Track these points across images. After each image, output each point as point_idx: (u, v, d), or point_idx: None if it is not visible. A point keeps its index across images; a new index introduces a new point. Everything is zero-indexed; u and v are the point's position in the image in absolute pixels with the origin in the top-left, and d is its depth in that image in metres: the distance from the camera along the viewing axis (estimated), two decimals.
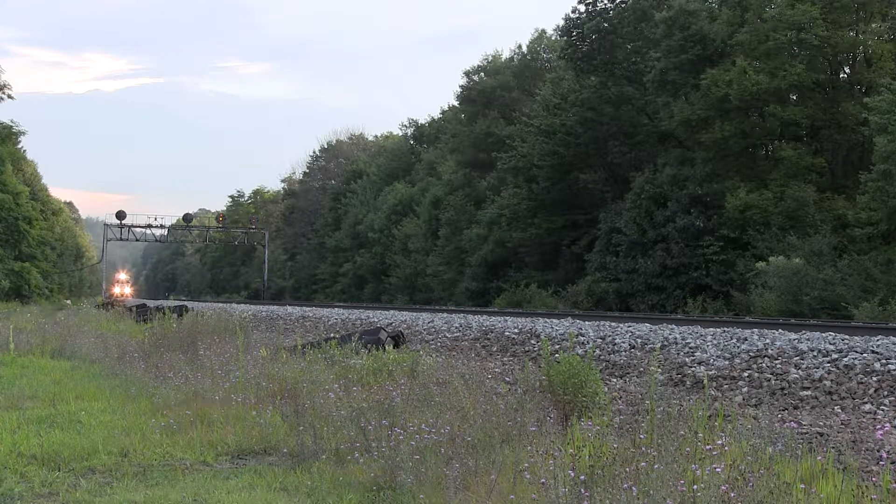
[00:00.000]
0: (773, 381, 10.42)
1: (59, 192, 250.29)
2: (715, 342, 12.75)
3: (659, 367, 11.65)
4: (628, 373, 12.50)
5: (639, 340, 14.01)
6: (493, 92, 54.36)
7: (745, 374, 10.88)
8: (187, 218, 79.51)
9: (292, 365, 10.54)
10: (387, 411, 7.01)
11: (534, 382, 8.41)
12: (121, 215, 74.82)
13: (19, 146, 69.97)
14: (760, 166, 33.01)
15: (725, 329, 14.37)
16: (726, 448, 5.28)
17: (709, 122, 31.79)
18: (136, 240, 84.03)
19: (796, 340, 11.87)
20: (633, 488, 4.36)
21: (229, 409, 8.39)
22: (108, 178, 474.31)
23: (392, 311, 29.24)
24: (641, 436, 5.66)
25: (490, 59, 58.11)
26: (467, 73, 57.83)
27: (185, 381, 9.93)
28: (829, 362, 10.57)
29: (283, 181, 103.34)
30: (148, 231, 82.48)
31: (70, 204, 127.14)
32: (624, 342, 14.05)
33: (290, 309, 37.30)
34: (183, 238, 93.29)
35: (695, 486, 4.29)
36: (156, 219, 79.68)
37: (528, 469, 5.25)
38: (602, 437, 6.24)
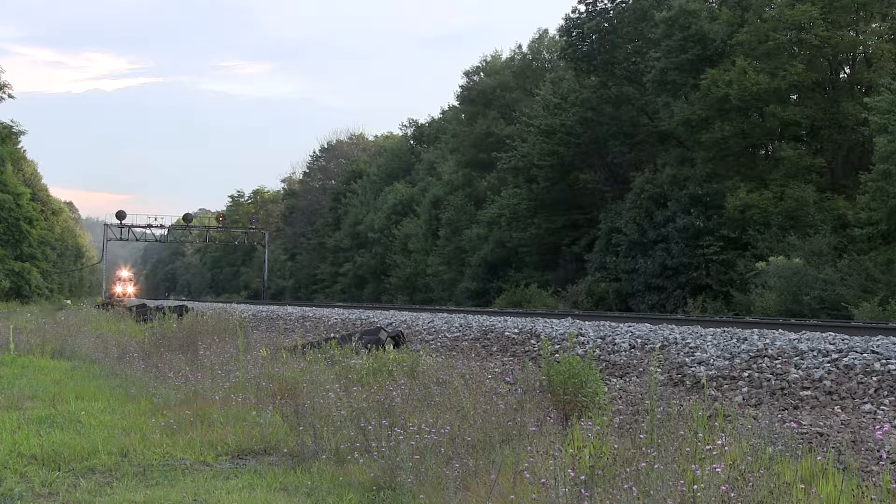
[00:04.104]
0: (773, 381, 10.42)
1: (59, 192, 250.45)
2: (715, 342, 12.75)
3: (659, 367, 11.65)
4: (628, 373, 12.50)
5: (639, 340, 14.01)
6: (493, 92, 54.36)
7: (745, 374, 10.88)
8: (187, 218, 79.51)
9: (292, 365, 10.54)
10: (387, 411, 7.01)
11: (534, 382, 8.41)
12: (121, 215, 74.83)
13: (19, 146, 70.00)
14: (760, 166, 33.00)
15: (725, 329, 14.37)
16: (726, 448, 5.29)
17: (709, 122, 31.77)
18: (136, 240, 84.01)
19: (796, 340, 11.87)
20: (634, 488, 4.36)
21: (229, 409, 8.39)
22: (108, 178, 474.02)
23: (392, 311, 29.23)
24: (641, 436, 5.66)
25: (490, 59, 58.13)
26: (467, 73, 57.87)
27: (185, 381, 9.93)
28: (829, 362, 10.57)
29: (283, 181, 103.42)
30: (148, 231, 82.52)
31: (70, 204, 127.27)
32: (624, 342, 14.05)
33: (290, 309, 37.30)
34: (183, 238, 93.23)
35: (695, 486, 4.29)
36: (156, 219, 79.79)
37: (528, 469, 5.26)
38: (602, 437, 6.25)
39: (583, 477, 4.63)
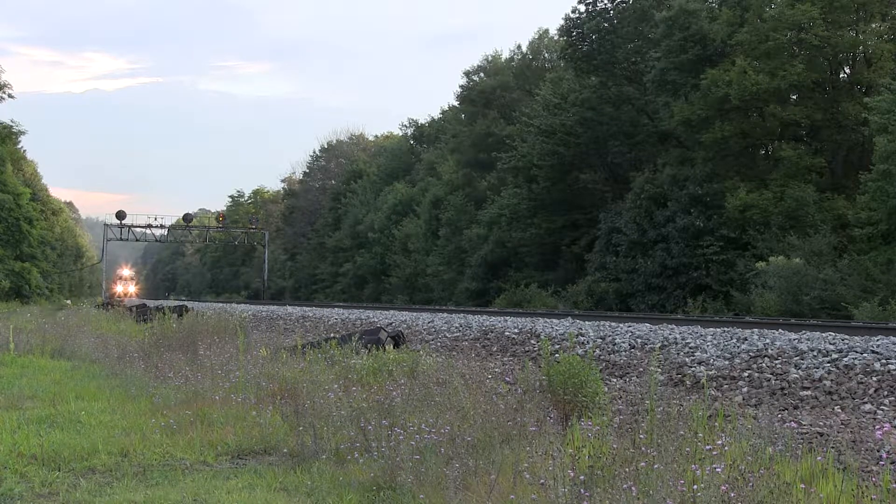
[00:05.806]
0: (773, 381, 10.42)
1: (59, 192, 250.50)
2: (715, 342, 12.75)
3: (659, 367, 11.65)
4: (628, 373, 12.50)
5: (639, 340, 14.01)
6: (493, 92, 54.36)
7: (745, 374, 10.88)
8: (187, 218, 79.50)
9: (292, 365, 10.54)
10: (387, 411, 7.00)
11: (534, 382, 8.41)
12: (121, 215, 74.83)
13: (19, 146, 70.01)
14: (760, 166, 33.01)
15: (725, 329, 14.37)
16: (726, 448, 5.29)
17: (709, 122, 31.78)
18: (136, 240, 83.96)
19: (796, 340, 11.86)
20: (633, 488, 4.36)
21: (229, 409, 8.39)
22: (108, 178, 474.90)
23: (392, 311, 29.23)
24: (641, 436, 5.66)
25: (490, 59, 58.11)
26: (467, 74, 57.87)
27: (185, 381, 9.93)
28: (829, 362, 10.57)
29: (283, 181, 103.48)
30: (148, 231, 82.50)
31: (70, 204, 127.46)
32: (624, 342, 14.05)
33: (290, 309, 37.29)
34: (183, 238, 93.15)
35: (695, 486, 4.29)
36: (156, 219, 79.80)
37: (527, 469, 5.26)
38: (602, 437, 6.25)
39: (582, 477, 4.63)
